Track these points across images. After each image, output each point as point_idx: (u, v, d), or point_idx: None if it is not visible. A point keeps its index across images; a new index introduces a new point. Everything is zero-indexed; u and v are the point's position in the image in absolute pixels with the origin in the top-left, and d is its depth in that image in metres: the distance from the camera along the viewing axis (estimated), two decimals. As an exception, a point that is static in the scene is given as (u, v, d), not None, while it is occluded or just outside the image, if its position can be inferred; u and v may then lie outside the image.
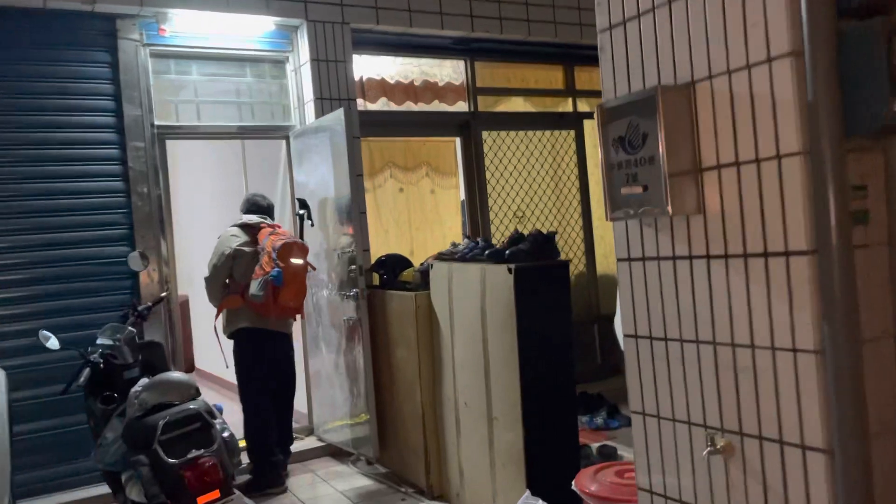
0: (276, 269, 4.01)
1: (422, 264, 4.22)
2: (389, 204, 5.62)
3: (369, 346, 4.25)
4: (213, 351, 4.30)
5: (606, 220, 2.09)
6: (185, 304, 7.41)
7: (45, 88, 4.21)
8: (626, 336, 2.10)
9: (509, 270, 3.23)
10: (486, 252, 3.55)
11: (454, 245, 4.04)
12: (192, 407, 2.93)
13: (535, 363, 3.22)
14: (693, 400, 1.90)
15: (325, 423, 4.92)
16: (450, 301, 3.76)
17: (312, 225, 4.55)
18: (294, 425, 4.91)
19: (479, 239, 3.97)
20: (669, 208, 1.85)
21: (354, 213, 4.32)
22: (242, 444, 4.38)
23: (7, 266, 4.04)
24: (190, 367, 7.80)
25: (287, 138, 5.08)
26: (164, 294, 4.05)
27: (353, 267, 4.28)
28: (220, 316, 4.31)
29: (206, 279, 4.25)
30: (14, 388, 3.48)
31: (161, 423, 2.82)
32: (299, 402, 4.92)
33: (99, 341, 3.45)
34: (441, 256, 3.99)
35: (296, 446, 4.70)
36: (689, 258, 1.90)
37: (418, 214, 5.74)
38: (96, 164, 4.34)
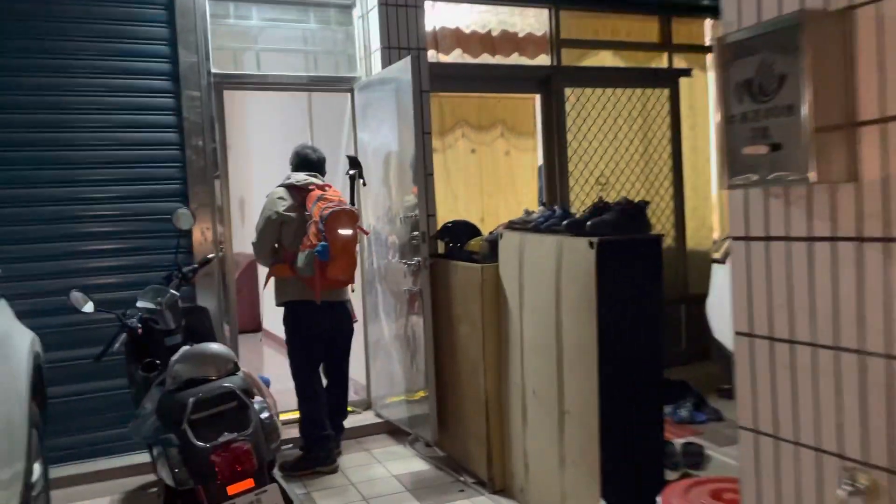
0: (322, 243, 3.68)
1: (491, 233, 3.80)
2: (460, 166, 5.19)
3: (430, 320, 3.88)
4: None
5: (722, 188, 1.62)
6: (252, 265, 7.26)
7: (96, 31, 3.96)
8: (737, 334, 1.71)
9: (591, 244, 2.78)
10: (565, 222, 3.10)
11: (527, 213, 3.59)
12: (226, 385, 2.63)
13: (616, 354, 2.78)
14: (826, 422, 1.48)
15: (382, 397, 4.62)
16: (520, 276, 3.34)
17: (364, 184, 4.18)
18: (352, 397, 4.65)
19: (555, 206, 3.52)
20: (813, 174, 1.40)
21: (419, 174, 3.92)
22: (293, 415, 4.14)
23: (49, 218, 3.85)
24: (257, 329, 7.68)
25: (352, 91, 4.71)
26: (211, 256, 3.76)
27: (416, 233, 3.90)
28: (270, 282, 4.03)
29: (253, 244, 3.96)
30: (52, 348, 3.30)
31: (191, 400, 2.54)
32: (358, 373, 4.64)
33: (139, 304, 3.21)
34: (512, 225, 3.56)
35: (351, 421, 4.42)
36: (833, 240, 1.46)
37: (491, 178, 5.30)
38: (149, 114, 4.09)
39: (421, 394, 4.00)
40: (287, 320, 3.99)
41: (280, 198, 3.91)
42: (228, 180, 4.47)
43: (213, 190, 4.23)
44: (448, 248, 4.07)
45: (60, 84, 3.88)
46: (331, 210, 3.74)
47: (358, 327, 4.33)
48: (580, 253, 2.85)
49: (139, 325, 3.09)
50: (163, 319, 3.19)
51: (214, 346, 2.83)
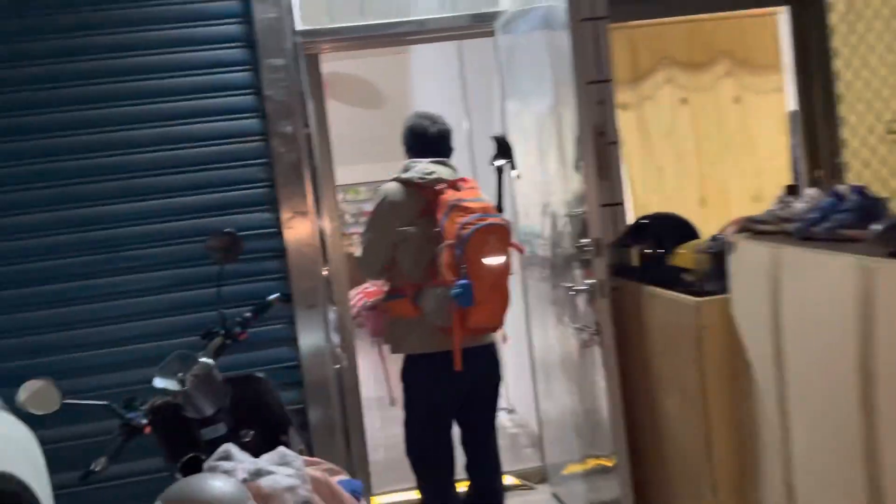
0: (462, 282, 2.39)
1: (713, 238, 2.23)
2: (663, 124, 3.56)
3: (617, 386, 2.41)
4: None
5: None
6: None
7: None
8: None
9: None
10: (875, 225, 1.49)
11: (782, 201, 1.99)
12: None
13: None
14: None
15: (558, 466, 3.24)
16: (776, 323, 1.77)
17: (519, 176, 2.80)
18: (516, 467, 3.33)
19: (839, 188, 1.87)
20: None
21: (587, 144, 2.44)
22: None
23: (96, 243, 2.92)
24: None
25: (494, 35, 3.32)
26: (273, 297, 2.51)
27: (584, 241, 2.44)
28: (383, 320, 2.80)
29: (359, 260, 2.76)
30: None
31: None
32: (527, 413, 3.29)
33: (156, 383, 2.12)
34: (754, 226, 1.98)
35: (520, 501, 3.10)
36: None
37: (712, 138, 3.59)
38: (219, 95, 3.03)
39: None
40: (406, 376, 2.73)
41: (393, 202, 2.63)
42: (334, 177, 3.31)
43: (307, 192, 3.08)
44: (644, 258, 2.56)
45: (101, 68, 2.94)
46: (473, 229, 2.43)
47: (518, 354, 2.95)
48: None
49: (143, 423, 2.00)
50: (191, 404, 2.09)
51: (216, 488, 1.63)
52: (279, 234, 3.03)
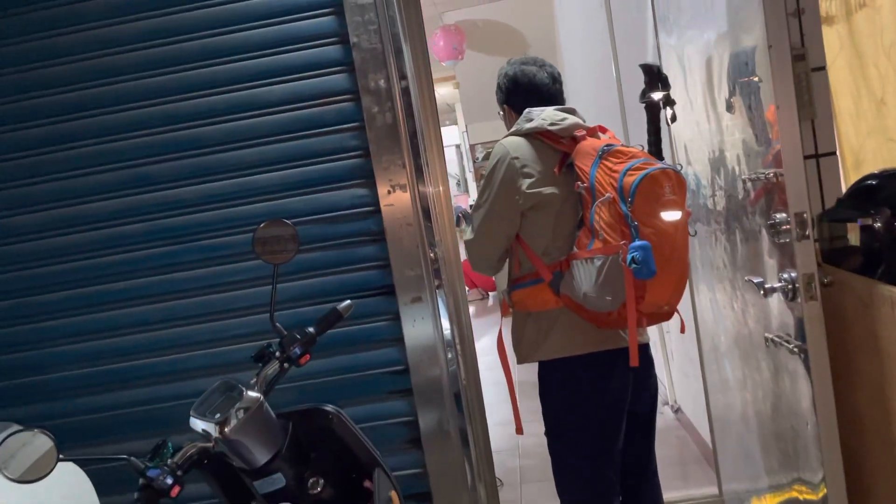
0: (640, 243, 1.71)
1: None
2: (886, 40, 2.61)
3: (832, 418, 1.64)
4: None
5: None
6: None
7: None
8: None
9: None
10: None
11: None
12: None
13: None
14: None
15: (737, 488, 2.49)
16: None
17: (675, 119, 2.04)
18: (681, 493, 2.62)
19: None
20: None
21: (781, 70, 1.63)
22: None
23: (162, 232, 2.51)
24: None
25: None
26: (344, 304, 1.90)
27: (783, 216, 1.66)
28: (509, 317, 2.17)
29: (468, 245, 2.15)
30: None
31: None
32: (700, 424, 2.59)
33: (193, 422, 1.64)
34: None
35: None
36: None
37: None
38: (297, 48, 2.49)
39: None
40: (554, 389, 2.08)
41: (516, 158, 1.99)
42: (441, 139, 2.70)
43: (410, 160, 2.49)
44: (871, 240, 1.73)
45: (159, 26, 2.49)
46: (643, 173, 1.75)
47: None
48: None
49: (170, 482, 1.53)
50: (236, 452, 1.60)
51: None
52: (377, 212, 2.49)
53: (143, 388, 2.54)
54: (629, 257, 1.70)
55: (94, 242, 2.52)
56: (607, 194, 1.79)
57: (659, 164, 1.79)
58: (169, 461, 1.55)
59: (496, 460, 3.37)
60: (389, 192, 2.48)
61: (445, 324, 2.58)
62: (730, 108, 1.96)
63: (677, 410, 3.71)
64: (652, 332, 3.33)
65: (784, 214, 1.64)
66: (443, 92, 10.00)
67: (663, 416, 3.77)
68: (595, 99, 4.80)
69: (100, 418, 2.53)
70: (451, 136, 13.47)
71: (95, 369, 2.54)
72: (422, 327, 2.50)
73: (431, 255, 2.54)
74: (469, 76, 8.25)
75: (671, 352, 3.73)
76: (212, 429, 1.60)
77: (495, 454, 3.33)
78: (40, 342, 2.54)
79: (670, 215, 1.75)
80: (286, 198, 2.50)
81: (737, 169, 1.92)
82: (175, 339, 2.53)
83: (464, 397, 2.63)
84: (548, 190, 1.95)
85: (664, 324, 3.77)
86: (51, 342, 2.54)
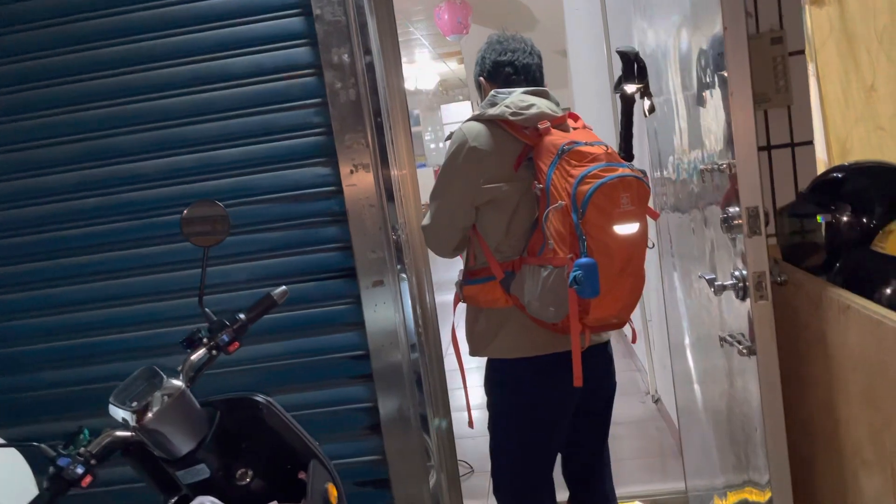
0: (584, 261, 1.62)
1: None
2: (878, 23, 2.46)
3: (779, 422, 1.56)
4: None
5: None
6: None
7: None
8: None
9: None
10: None
11: None
12: None
13: None
14: None
15: (699, 484, 2.42)
16: None
17: (653, 110, 1.94)
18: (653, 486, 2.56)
19: None
20: None
21: (735, 47, 1.52)
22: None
23: (120, 208, 2.44)
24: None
25: None
26: (279, 290, 1.78)
27: (735, 210, 1.56)
28: (463, 308, 2.09)
29: (424, 229, 2.06)
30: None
31: None
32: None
33: (112, 410, 1.59)
34: None
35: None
36: None
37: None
38: (257, 19, 2.40)
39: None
40: (494, 388, 2.02)
41: (475, 147, 1.88)
42: (408, 118, 2.61)
43: (371, 138, 2.40)
44: (833, 238, 1.63)
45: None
46: (598, 183, 1.65)
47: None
48: None
49: (81, 472, 1.47)
50: (156, 442, 1.55)
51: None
52: (340, 192, 2.41)
53: (103, 366, 2.50)
54: (571, 276, 1.62)
55: (51, 216, 2.47)
56: (560, 202, 1.69)
57: (619, 171, 1.67)
58: (82, 449, 1.50)
59: (468, 446, 3.33)
60: (352, 172, 2.41)
61: (408, 308, 2.52)
62: (701, 98, 1.85)
63: (657, 401, 3.64)
64: (636, 318, 3.25)
65: (737, 208, 1.55)
66: (452, 67, 9.84)
67: (644, 405, 3.70)
68: (596, 77, 4.66)
69: (31, 397, 2.51)
70: (466, 111, 13.34)
71: (54, 344, 2.50)
72: (383, 311, 2.44)
73: (394, 237, 2.47)
74: (475, 51, 8.09)
75: (653, 341, 3.64)
76: (129, 417, 1.55)
77: (468, 440, 3.28)
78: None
79: (625, 228, 1.65)
80: (249, 174, 2.42)
81: (698, 158, 1.82)
82: (141, 315, 2.49)
83: (425, 383, 2.57)
84: (504, 186, 1.84)
85: (647, 311, 3.68)
86: None
